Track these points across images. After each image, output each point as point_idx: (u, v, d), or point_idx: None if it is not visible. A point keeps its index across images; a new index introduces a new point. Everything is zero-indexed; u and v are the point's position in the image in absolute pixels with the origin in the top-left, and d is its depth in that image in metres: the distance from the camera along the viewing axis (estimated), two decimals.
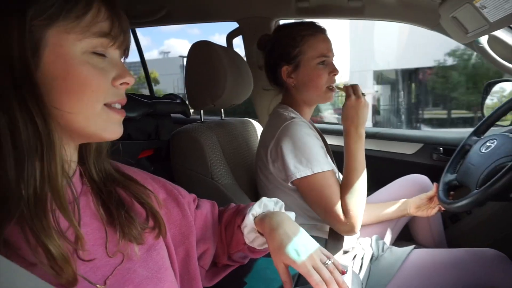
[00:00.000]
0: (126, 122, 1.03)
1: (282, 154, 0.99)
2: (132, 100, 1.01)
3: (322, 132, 1.21)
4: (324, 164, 0.99)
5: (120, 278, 0.50)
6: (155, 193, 0.61)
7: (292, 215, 0.71)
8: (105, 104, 0.48)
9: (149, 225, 0.57)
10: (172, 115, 1.22)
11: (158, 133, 1.11)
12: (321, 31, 1.11)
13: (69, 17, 0.44)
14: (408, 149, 1.66)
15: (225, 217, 0.74)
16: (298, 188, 1.02)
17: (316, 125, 1.23)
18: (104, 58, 0.48)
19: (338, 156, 1.14)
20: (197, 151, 1.09)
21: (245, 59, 1.40)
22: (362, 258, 1.12)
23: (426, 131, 1.76)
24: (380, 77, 12.80)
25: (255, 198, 1.27)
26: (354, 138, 1.00)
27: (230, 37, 1.73)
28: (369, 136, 1.65)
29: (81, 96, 0.46)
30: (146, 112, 1.02)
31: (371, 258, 1.14)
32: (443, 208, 1.17)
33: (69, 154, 0.50)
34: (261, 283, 0.76)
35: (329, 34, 1.13)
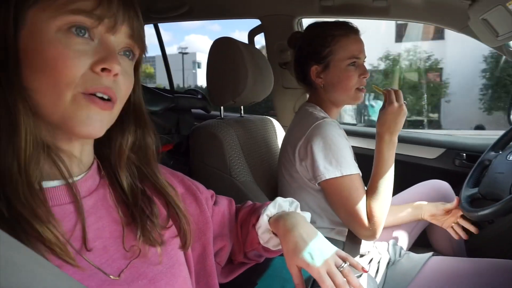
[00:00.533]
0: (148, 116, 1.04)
1: (312, 154, 0.98)
2: (155, 94, 1.02)
3: None
4: (353, 166, 0.98)
5: (134, 271, 0.49)
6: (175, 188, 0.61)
7: (307, 216, 0.70)
8: (83, 93, 0.43)
9: (168, 225, 0.57)
10: (192, 110, 1.23)
11: (179, 128, 1.11)
12: (354, 31, 1.08)
13: None
14: (430, 154, 1.62)
15: (241, 215, 0.74)
16: (324, 189, 1.01)
17: None
18: (89, 41, 0.44)
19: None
20: (216, 147, 1.09)
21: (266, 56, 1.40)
22: (379, 262, 1.11)
23: (449, 136, 1.72)
24: None
25: (273, 196, 1.26)
26: (388, 145, 0.98)
27: (252, 34, 1.73)
28: None
29: (47, 76, 0.42)
30: (168, 107, 1.03)
31: (388, 263, 1.12)
32: (463, 237, 1.15)
33: (77, 151, 0.48)
34: (276, 282, 0.76)
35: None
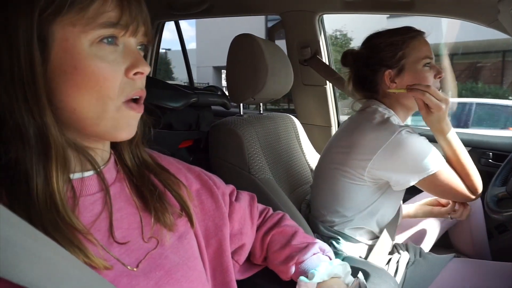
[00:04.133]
0: (168, 112, 1.05)
1: (397, 166, 0.98)
2: (177, 91, 1.03)
3: None
4: (439, 160, 0.99)
5: (152, 262, 0.50)
6: (187, 185, 0.61)
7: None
8: (124, 102, 0.46)
9: (177, 209, 0.58)
10: (212, 107, 1.24)
11: (199, 124, 1.13)
12: (421, 33, 1.07)
13: (73, 9, 0.41)
14: None
15: (273, 234, 0.73)
16: (421, 187, 1.03)
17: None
18: (116, 47, 0.45)
19: None
20: (235, 144, 1.10)
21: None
22: (398, 262, 1.09)
23: (475, 134, 1.66)
24: None
25: (292, 194, 1.26)
26: (448, 131, 1.01)
27: (272, 30, 1.72)
28: None
29: (90, 92, 0.43)
30: (189, 103, 1.04)
31: (407, 263, 1.10)
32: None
33: (101, 145, 0.51)
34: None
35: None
